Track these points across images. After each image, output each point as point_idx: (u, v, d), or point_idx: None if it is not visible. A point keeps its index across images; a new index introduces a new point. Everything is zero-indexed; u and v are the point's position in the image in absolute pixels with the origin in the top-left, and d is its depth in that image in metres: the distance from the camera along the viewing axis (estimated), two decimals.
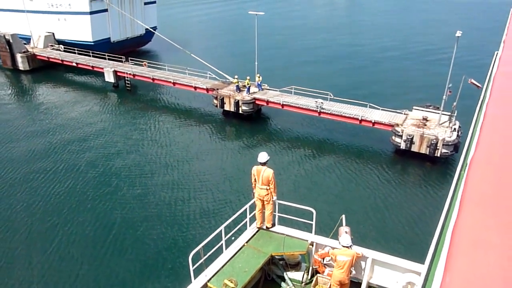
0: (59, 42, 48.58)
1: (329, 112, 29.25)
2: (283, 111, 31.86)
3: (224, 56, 50.01)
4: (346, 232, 9.53)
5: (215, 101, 33.12)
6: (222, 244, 9.98)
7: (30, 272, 17.16)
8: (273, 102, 31.38)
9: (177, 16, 79.99)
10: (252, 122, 32.57)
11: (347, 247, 9.28)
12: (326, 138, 29.70)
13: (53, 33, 48.73)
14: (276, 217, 11.11)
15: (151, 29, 48.99)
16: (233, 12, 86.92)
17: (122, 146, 28.61)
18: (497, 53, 12.85)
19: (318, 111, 29.46)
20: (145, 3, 52.45)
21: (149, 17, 52.76)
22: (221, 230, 9.77)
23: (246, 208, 10.69)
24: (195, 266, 8.96)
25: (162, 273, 16.99)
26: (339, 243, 9.49)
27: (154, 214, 21.08)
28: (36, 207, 21.53)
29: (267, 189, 10.52)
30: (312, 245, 10.23)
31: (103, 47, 46.75)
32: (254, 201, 10.91)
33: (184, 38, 54.90)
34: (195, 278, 9.03)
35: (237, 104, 31.83)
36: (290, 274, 10.39)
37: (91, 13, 45.96)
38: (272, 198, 10.61)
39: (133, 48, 52.95)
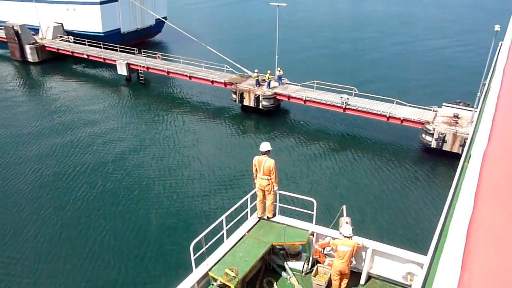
0: (68, 33, 47.28)
1: (355, 108, 28.13)
2: (304, 106, 30.77)
3: (239, 48, 48.36)
4: (347, 223, 9.53)
5: (234, 95, 31.99)
6: (223, 233, 9.97)
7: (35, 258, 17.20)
8: (295, 98, 30.24)
9: (179, 3, 78.06)
10: (272, 117, 31.48)
11: (348, 237, 9.27)
12: (350, 135, 28.62)
13: (61, 24, 47.42)
14: (277, 207, 11.05)
15: (163, 19, 47.59)
16: (242, 1, 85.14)
17: (136, 141, 27.82)
18: (502, 43, 12.22)
19: (344, 107, 28.34)
20: None
21: (159, 7, 51.31)
22: (222, 220, 9.75)
23: (247, 198, 10.58)
24: (196, 255, 8.99)
25: (164, 262, 16.99)
26: (340, 233, 9.49)
27: (167, 205, 21.07)
28: (45, 197, 21.34)
29: (268, 179, 10.41)
30: (313, 235, 10.21)
31: (113, 38, 45.46)
32: (255, 191, 10.83)
33: (195, 29, 53.36)
34: (196, 267, 9.07)
35: (257, 99, 30.69)
36: (291, 264, 10.40)
37: (101, 3, 44.63)
38: (273, 188, 10.55)
39: (143, 39, 51.58)
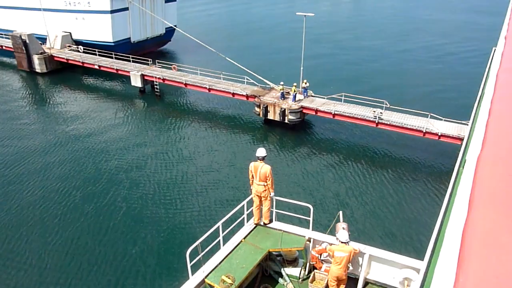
0: (76, 42, 45.83)
1: (388, 123, 26.78)
2: (331, 120, 29.44)
3: (255, 57, 46.76)
4: (343, 228, 9.51)
5: (257, 109, 30.57)
6: (219, 240, 9.93)
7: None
8: (323, 111, 28.84)
9: (186, 11, 76.96)
10: (297, 131, 30.04)
11: (344, 243, 9.25)
12: (382, 151, 27.18)
13: (70, 33, 45.93)
14: (274, 213, 11.00)
15: (175, 27, 46.27)
16: (247, 10, 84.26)
17: (151, 154, 26.61)
18: (495, 49, 12.30)
19: (376, 121, 26.99)
20: (166, 1, 49.72)
21: (170, 16, 49.95)
22: (218, 227, 9.71)
23: (244, 205, 10.55)
24: (192, 262, 8.97)
25: (160, 270, 16.85)
26: (337, 239, 9.46)
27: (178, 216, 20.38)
28: (51, 213, 20.74)
29: (264, 185, 10.41)
30: (310, 241, 10.21)
31: (123, 48, 44.11)
32: (252, 197, 10.75)
33: (205, 37, 51.86)
34: (192, 274, 9.03)
35: (283, 113, 29.29)
36: (288, 270, 10.38)
37: (112, 12, 43.20)
38: (270, 194, 10.55)
39: (153, 48, 50.28)
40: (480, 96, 9.59)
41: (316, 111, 29.10)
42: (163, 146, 27.88)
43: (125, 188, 22.76)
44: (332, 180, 23.83)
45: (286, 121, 29.51)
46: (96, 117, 32.74)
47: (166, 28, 49.95)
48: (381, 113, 26.88)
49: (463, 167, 5.51)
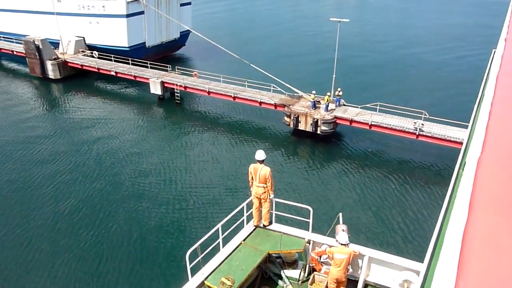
0: (90, 47, 44.43)
1: (430, 135, 25.39)
2: (360, 130, 28.18)
3: (275, 62, 44.96)
4: (343, 230, 9.49)
5: (287, 119, 29.16)
6: (219, 242, 9.96)
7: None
8: (359, 122, 27.43)
9: (199, 14, 75.55)
10: (329, 143, 28.61)
11: (344, 245, 9.23)
12: (423, 165, 25.77)
13: (83, 38, 44.53)
14: (273, 215, 11.00)
15: (191, 29, 44.91)
16: (247, 9, 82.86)
17: (168, 166, 25.57)
18: (495, 51, 12.17)
19: (417, 133, 25.60)
20: (181, 4, 48.38)
21: (185, 20, 48.56)
22: (218, 229, 9.71)
23: (243, 206, 10.53)
24: (192, 264, 8.98)
25: (160, 272, 16.89)
26: (336, 241, 9.44)
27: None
28: (61, 221, 20.37)
29: (264, 187, 10.44)
30: (309, 243, 10.24)
31: (137, 53, 42.80)
32: (251, 199, 10.74)
33: (220, 41, 50.59)
34: (192, 276, 9.05)
35: (315, 123, 27.88)
36: (287, 272, 10.42)
37: (128, 16, 41.81)
38: (269, 196, 10.57)
39: (167, 53, 48.91)
40: (480, 99, 9.64)
41: (351, 121, 27.69)
42: (184, 156, 26.81)
43: (132, 191, 22.45)
44: (360, 188, 22.48)
45: (318, 132, 28.11)
46: (114, 126, 31.37)
47: (180, 32, 48.67)
48: (422, 124, 25.49)
49: (463, 169, 5.54)
